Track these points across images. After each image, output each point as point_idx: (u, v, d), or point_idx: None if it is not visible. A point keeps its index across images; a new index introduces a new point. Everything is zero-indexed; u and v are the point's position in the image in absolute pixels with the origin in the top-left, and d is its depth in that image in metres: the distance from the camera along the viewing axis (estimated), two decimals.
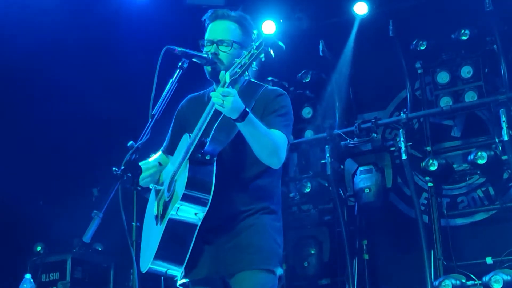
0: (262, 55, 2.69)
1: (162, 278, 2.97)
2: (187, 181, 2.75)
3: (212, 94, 2.71)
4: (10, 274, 6.78)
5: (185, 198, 2.76)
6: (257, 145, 2.83)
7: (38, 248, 7.41)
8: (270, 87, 3.11)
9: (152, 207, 3.08)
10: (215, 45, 3.03)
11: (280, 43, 2.72)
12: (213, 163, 2.81)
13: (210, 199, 2.77)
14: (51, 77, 6.89)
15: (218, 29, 3.07)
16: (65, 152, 7.40)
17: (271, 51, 2.70)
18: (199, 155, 2.80)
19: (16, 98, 7.04)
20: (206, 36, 3.09)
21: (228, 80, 2.70)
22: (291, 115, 3.05)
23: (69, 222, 6.73)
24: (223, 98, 2.66)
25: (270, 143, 2.83)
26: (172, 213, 2.79)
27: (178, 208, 2.78)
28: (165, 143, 3.27)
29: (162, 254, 2.83)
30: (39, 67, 6.83)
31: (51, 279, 7.14)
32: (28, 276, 6.04)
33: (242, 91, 3.00)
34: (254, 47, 2.68)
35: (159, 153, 3.26)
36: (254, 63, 2.71)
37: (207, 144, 2.81)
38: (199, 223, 2.81)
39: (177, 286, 3.00)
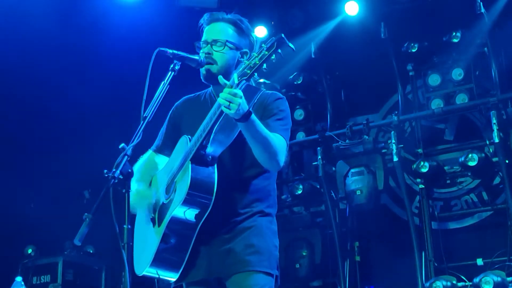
0: (273, 57, 2.63)
1: (156, 280, 2.95)
2: (190, 182, 2.74)
3: (220, 94, 2.64)
4: (1, 277, 6.74)
5: (188, 199, 2.75)
6: (258, 147, 2.81)
7: (29, 251, 7.38)
8: (268, 91, 3.08)
9: (143, 210, 3.05)
10: (209, 45, 3.03)
11: (291, 45, 2.68)
12: (214, 165, 2.82)
13: (213, 200, 2.77)
14: (42, 79, 6.86)
15: (213, 31, 3.07)
16: (57, 155, 7.37)
17: (281, 53, 2.64)
18: (201, 156, 2.79)
19: (6, 100, 7.00)
20: (202, 38, 3.10)
21: (236, 81, 2.65)
22: (289, 120, 3.04)
23: (60, 225, 6.72)
24: (231, 99, 2.62)
25: (271, 146, 2.80)
26: (173, 214, 2.79)
27: (180, 209, 2.77)
28: (156, 142, 3.25)
29: (161, 257, 2.83)
30: (29, 70, 6.79)
31: (42, 281, 7.11)
32: (19, 278, 6.03)
33: None
34: (265, 48, 2.63)
35: (148, 153, 3.22)
36: (265, 65, 2.65)
37: (209, 145, 2.81)
38: (200, 225, 2.80)
39: (172, 286, 2.99)
